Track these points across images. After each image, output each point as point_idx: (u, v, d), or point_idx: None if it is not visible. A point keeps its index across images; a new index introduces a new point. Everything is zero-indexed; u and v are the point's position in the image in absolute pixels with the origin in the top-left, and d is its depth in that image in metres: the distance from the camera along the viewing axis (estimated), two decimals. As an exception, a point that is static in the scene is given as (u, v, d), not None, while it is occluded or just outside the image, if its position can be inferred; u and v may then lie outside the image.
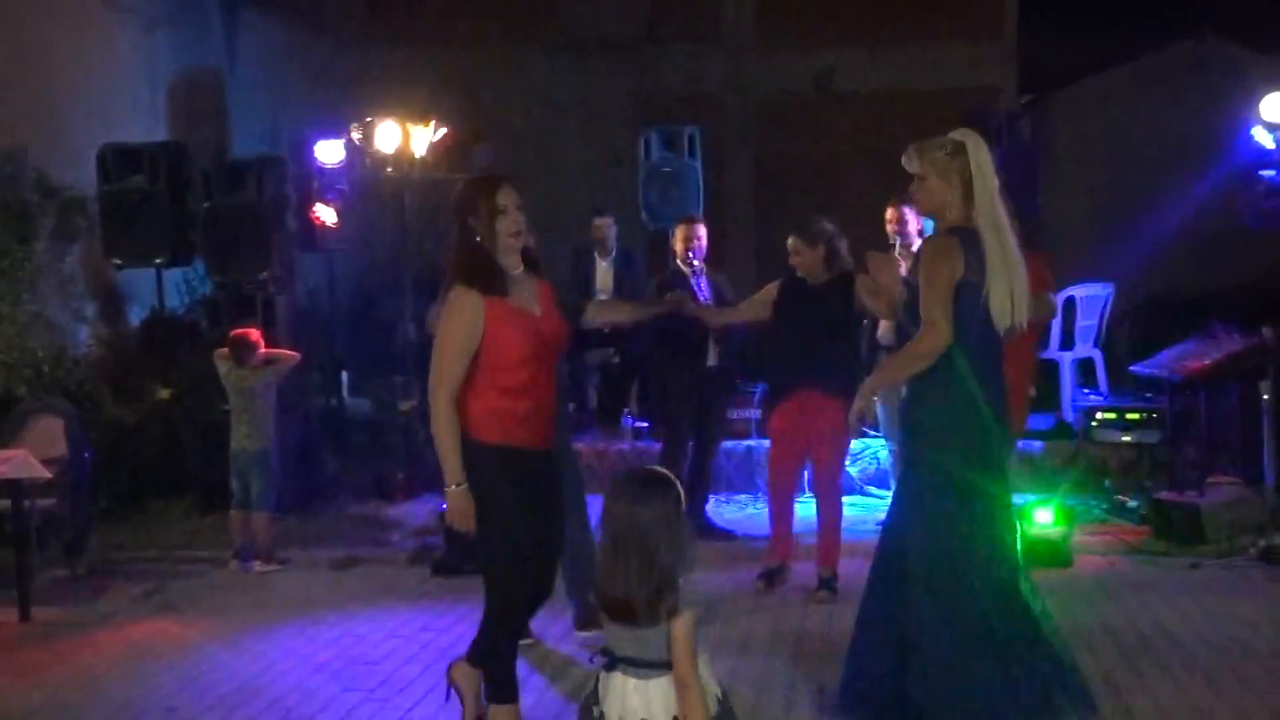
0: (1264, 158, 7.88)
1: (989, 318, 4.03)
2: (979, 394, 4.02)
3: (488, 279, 3.99)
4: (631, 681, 3.02)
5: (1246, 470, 7.18)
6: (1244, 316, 7.33)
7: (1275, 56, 10.69)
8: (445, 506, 4.03)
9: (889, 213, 6.96)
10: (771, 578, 6.23)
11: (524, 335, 4.03)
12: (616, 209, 9.62)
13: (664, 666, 2.99)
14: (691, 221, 7.31)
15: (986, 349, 4.07)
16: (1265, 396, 6.60)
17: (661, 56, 13.57)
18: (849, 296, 5.98)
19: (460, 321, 3.98)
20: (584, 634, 5.36)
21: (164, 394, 8.43)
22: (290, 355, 7.36)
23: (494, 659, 4.11)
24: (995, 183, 4.07)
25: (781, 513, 6.22)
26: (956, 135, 4.13)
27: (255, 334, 7.15)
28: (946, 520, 4.03)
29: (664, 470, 3.16)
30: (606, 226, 9.04)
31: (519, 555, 4.02)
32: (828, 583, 6.04)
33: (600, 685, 3.10)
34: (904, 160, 4.21)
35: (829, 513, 6.08)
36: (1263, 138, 7.83)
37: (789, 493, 6.22)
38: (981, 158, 4.07)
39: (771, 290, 6.25)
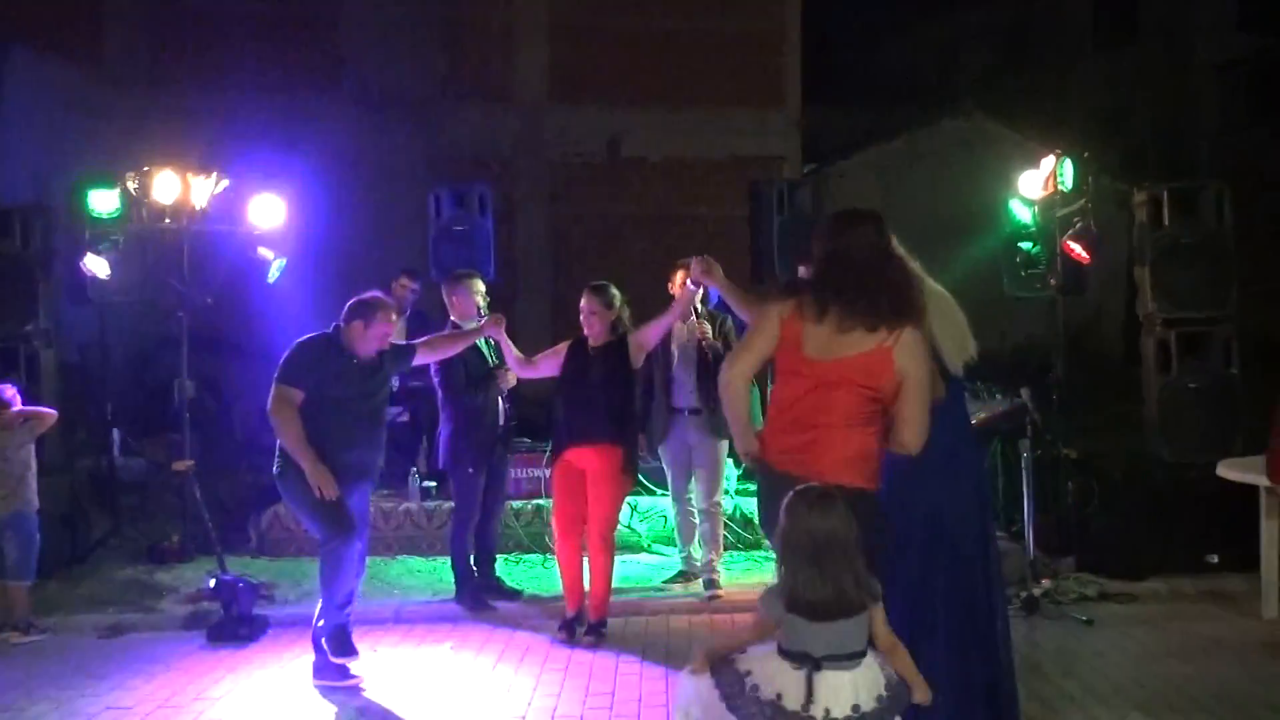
0: (1022, 230, 8.39)
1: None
2: None
3: None
4: (845, 675, 3.39)
5: (1009, 525, 7.57)
6: (1005, 379, 7.76)
7: (1032, 136, 11.44)
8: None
9: (677, 275, 7.06)
10: (571, 628, 6.38)
11: None
12: (411, 265, 9.54)
13: (860, 655, 3.43)
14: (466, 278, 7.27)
15: None
16: (1024, 454, 6.98)
17: (454, 114, 13.60)
18: (625, 355, 6.42)
19: None
20: None
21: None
22: (46, 413, 6.98)
23: None
24: None
25: (569, 563, 6.37)
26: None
27: (8, 391, 6.77)
28: None
29: (825, 486, 3.57)
30: (403, 287, 9.01)
31: None
32: (594, 627, 6.33)
33: (811, 687, 3.37)
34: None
35: (599, 562, 6.32)
36: (1020, 211, 8.34)
37: (575, 543, 6.35)
38: None
39: (562, 349, 6.55)
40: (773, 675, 3.42)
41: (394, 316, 5.95)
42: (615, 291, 6.53)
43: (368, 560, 6.09)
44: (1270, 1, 20.28)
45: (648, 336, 6.52)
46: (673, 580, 7.46)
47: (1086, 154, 8.33)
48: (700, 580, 7.27)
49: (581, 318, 6.50)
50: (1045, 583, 6.95)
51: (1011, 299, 8.48)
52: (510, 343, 6.66)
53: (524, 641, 6.35)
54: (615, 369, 6.40)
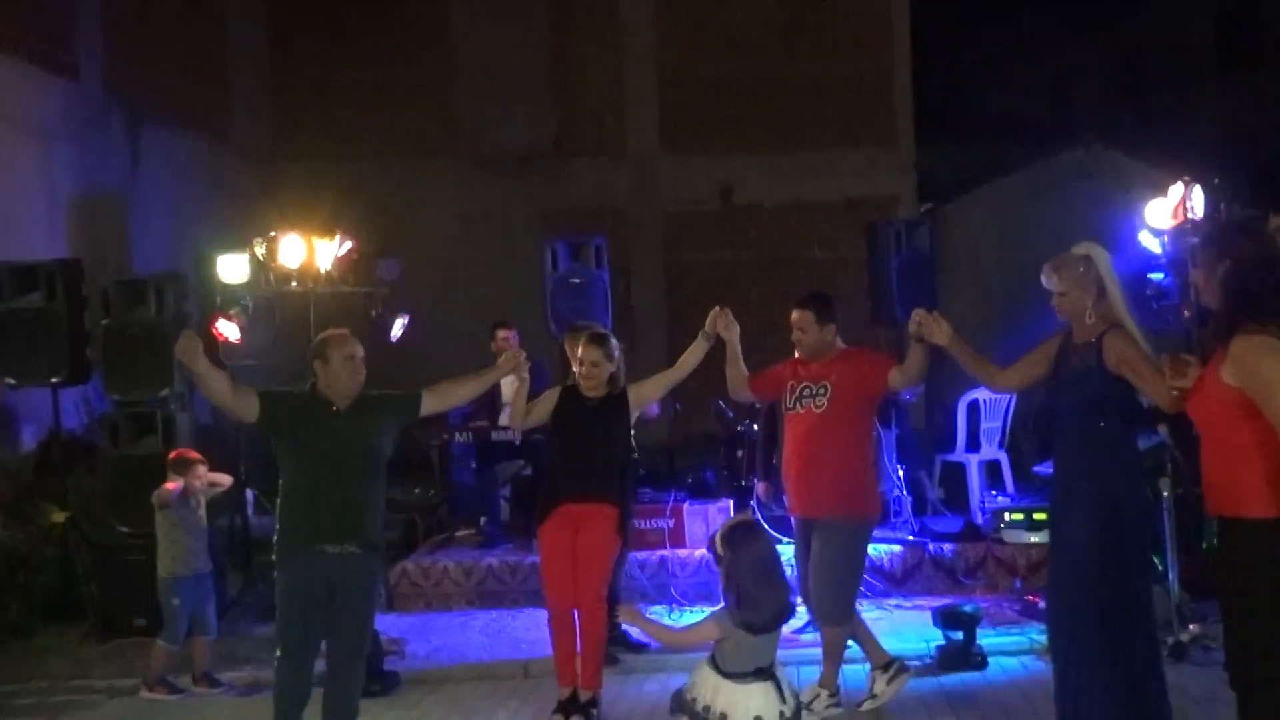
0: (1151, 261, 8.14)
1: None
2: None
3: None
4: (782, 683, 4.04)
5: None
6: (1143, 416, 7.50)
7: (1157, 164, 11.13)
8: None
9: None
10: (568, 710, 5.86)
11: None
12: (527, 320, 9.62)
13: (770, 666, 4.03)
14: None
15: None
16: (1165, 494, 6.72)
17: (568, 169, 13.77)
18: (625, 410, 6.10)
19: None
20: None
21: (58, 516, 8.15)
22: (226, 479, 7.39)
23: None
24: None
25: (566, 635, 5.92)
26: (1081, 250, 4.67)
27: (194, 453, 7.12)
28: None
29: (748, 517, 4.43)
30: (506, 339, 9.00)
31: None
32: (584, 708, 5.81)
33: (781, 689, 4.00)
34: (1042, 279, 4.70)
35: (591, 629, 5.87)
36: (1149, 242, 8.09)
37: (569, 611, 5.92)
38: (1106, 265, 4.63)
39: (553, 396, 6.22)
40: (735, 702, 3.93)
41: (354, 344, 5.21)
42: (616, 342, 6.21)
43: (492, 614, 6.01)
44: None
45: (650, 393, 6.24)
46: (802, 631, 7.29)
47: (1216, 179, 8.05)
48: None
49: (580, 368, 6.10)
50: (1193, 628, 6.65)
51: (1144, 332, 8.21)
52: (526, 388, 6.03)
53: (653, 698, 6.26)
54: (614, 423, 6.06)
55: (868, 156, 13.77)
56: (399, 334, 8.92)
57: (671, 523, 8.41)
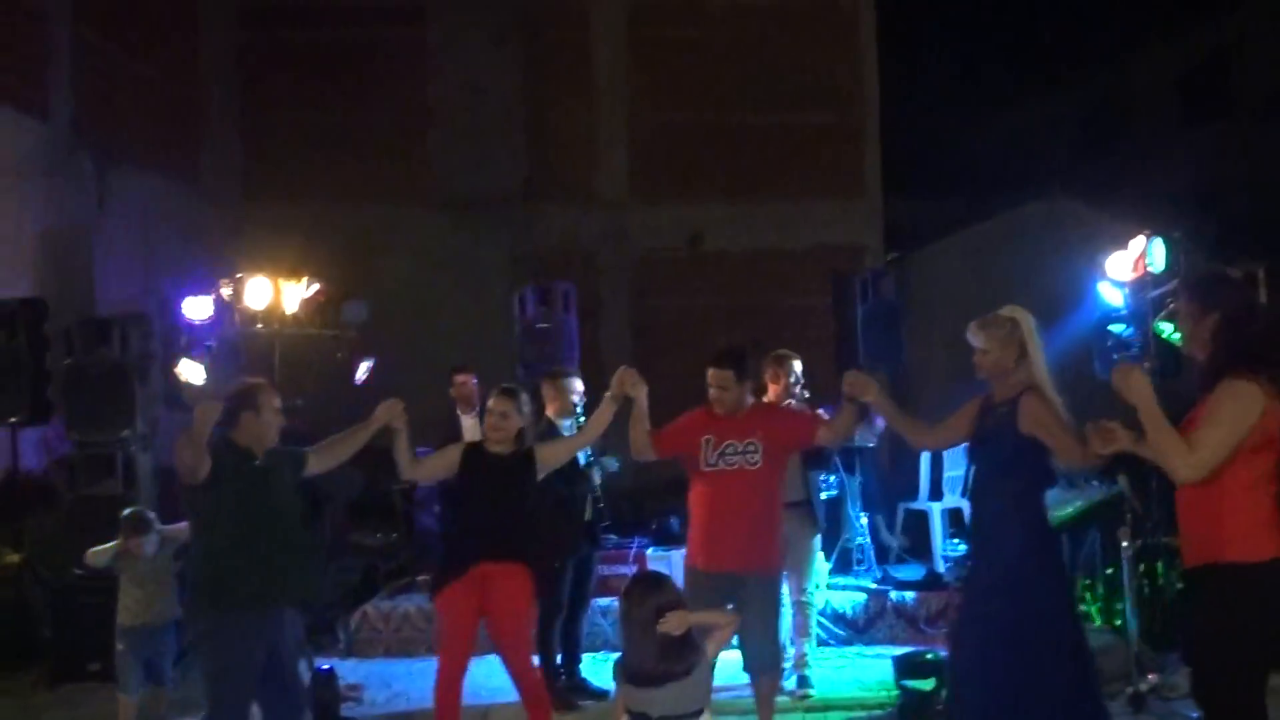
0: (1112, 312, 8.23)
1: None
2: None
3: None
4: None
5: (1110, 617, 7.31)
6: (1103, 466, 7.55)
7: (1120, 217, 11.28)
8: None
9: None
10: None
11: None
12: (496, 366, 9.61)
13: (699, 712, 4.00)
14: (564, 375, 7.32)
15: None
16: (1124, 543, 6.76)
17: (539, 215, 13.82)
18: (533, 469, 5.84)
19: None
20: None
21: (12, 558, 8.06)
22: (181, 529, 7.16)
23: None
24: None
25: (449, 695, 5.68)
26: (1008, 312, 4.86)
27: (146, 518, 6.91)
28: None
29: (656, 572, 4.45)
30: (465, 383, 8.99)
31: None
32: None
33: None
34: (968, 335, 4.90)
35: (530, 691, 5.75)
36: (1109, 293, 8.19)
37: (459, 676, 5.70)
38: (1030, 328, 4.82)
39: (453, 453, 5.96)
40: None
41: (276, 394, 5.30)
42: (526, 397, 6.05)
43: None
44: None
45: (558, 455, 6.04)
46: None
47: (1178, 234, 8.17)
48: (794, 677, 7.11)
49: (490, 420, 5.87)
50: (1151, 678, 6.66)
51: (1103, 383, 8.28)
52: (405, 437, 5.66)
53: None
54: (524, 482, 5.82)
55: (836, 206, 13.89)
56: (364, 377, 8.90)
57: (635, 569, 8.38)
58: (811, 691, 6.99)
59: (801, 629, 7.13)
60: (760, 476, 5.80)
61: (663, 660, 3.93)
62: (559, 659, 7.16)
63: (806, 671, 7.10)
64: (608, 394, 5.85)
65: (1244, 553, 3.88)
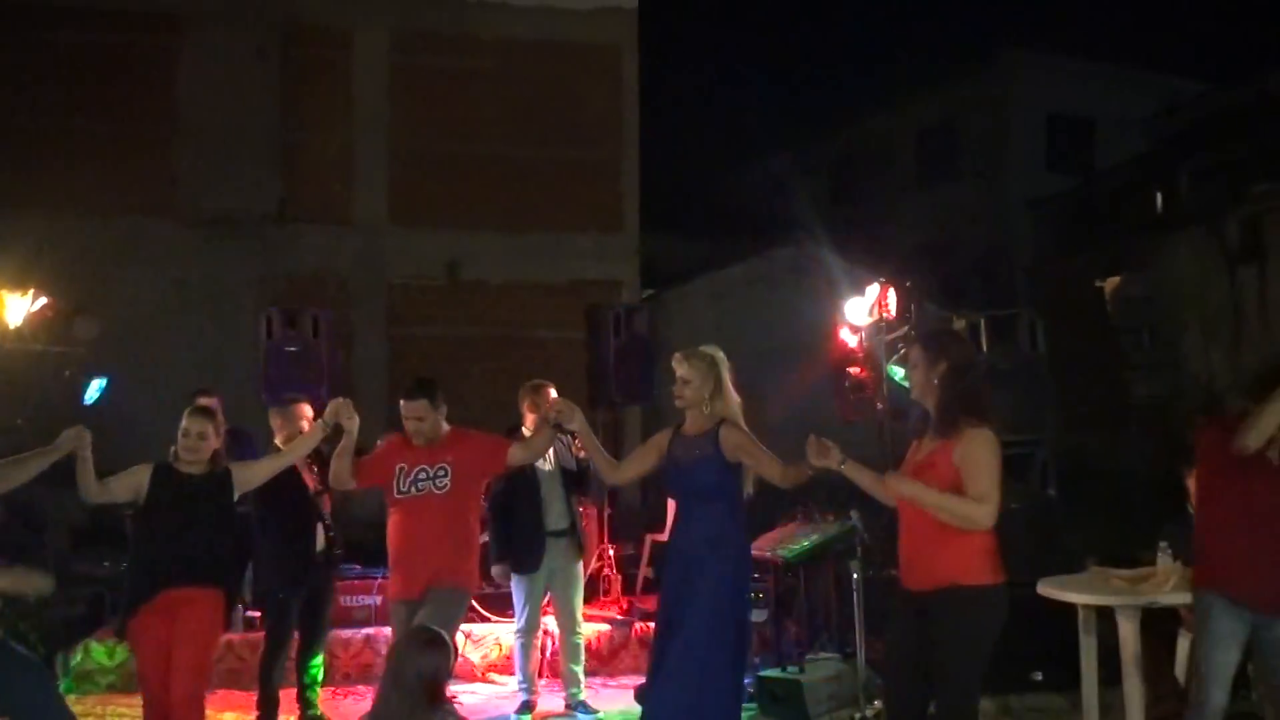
0: (850, 356, 8.63)
1: None
2: None
3: None
4: None
5: (843, 645, 7.63)
6: (838, 501, 7.90)
7: (859, 265, 11.87)
8: None
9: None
10: None
11: None
12: (242, 389, 9.28)
13: None
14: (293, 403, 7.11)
15: None
16: (855, 575, 7.08)
17: (292, 236, 13.46)
18: (230, 491, 5.58)
19: None
20: None
21: None
22: None
23: None
24: None
25: None
26: (708, 350, 5.33)
27: None
28: None
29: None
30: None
31: None
32: None
33: None
34: (673, 363, 5.32)
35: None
36: (848, 337, 8.59)
37: (166, 716, 5.27)
38: (724, 368, 5.31)
39: (141, 472, 5.57)
40: None
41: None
42: (222, 419, 5.81)
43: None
44: (1073, 145, 22.00)
45: (258, 475, 5.77)
46: (521, 713, 7.21)
47: (909, 283, 8.65)
48: (574, 708, 7.17)
49: (183, 439, 5.52)
50: (877, 704, 6.99)
51: (842, 423, 8.67)
52: (89, 461, 5.26)
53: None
54: (222, 505, 5.55)
55: (594, 241, 14.09)
56: (95, 396, 8.45)
57: (379, 600, 8.22)
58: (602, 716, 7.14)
59: (578, 659, 7.28)
60: (450, 500, 5.92)
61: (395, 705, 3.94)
62: (297, 692, 6.91)
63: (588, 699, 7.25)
64: (318, 420, 5.89)
65: (975, 578, 4.52)
